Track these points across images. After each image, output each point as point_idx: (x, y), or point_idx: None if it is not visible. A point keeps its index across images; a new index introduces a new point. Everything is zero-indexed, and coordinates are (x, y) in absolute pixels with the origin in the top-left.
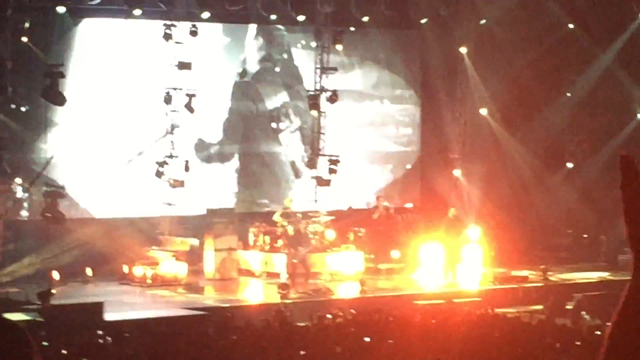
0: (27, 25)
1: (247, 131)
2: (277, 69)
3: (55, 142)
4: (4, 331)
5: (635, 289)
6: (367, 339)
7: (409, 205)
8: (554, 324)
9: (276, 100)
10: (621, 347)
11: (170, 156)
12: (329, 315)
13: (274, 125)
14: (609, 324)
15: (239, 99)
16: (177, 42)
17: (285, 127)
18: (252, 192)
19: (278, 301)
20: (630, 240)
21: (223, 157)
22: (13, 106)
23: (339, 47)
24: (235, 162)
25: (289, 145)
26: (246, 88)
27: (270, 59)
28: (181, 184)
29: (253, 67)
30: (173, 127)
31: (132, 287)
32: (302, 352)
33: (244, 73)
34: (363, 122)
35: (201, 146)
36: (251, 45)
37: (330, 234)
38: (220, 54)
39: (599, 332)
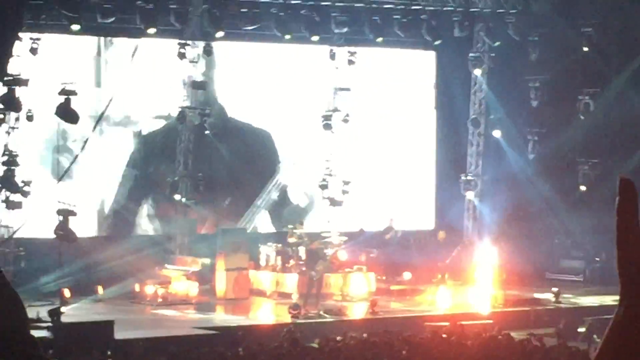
0: (41, 42)
1: None
2: None
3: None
4: None
5: (617, 321)
6: None
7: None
8: (565, 347)
9: None
10: None
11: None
12: (339, 338)
13: None
14: None
15: None
16: (191, 62)
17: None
18: None
19: (289, 321)
20: (619, 267)
21: None
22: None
23: (353, 67)
24: None
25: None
26: None
27: None
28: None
29: None
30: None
31: (143, 305)
32: None
33: None
34: (376, 143)
35: None
36: None
37: (342, 255)
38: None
39: None
